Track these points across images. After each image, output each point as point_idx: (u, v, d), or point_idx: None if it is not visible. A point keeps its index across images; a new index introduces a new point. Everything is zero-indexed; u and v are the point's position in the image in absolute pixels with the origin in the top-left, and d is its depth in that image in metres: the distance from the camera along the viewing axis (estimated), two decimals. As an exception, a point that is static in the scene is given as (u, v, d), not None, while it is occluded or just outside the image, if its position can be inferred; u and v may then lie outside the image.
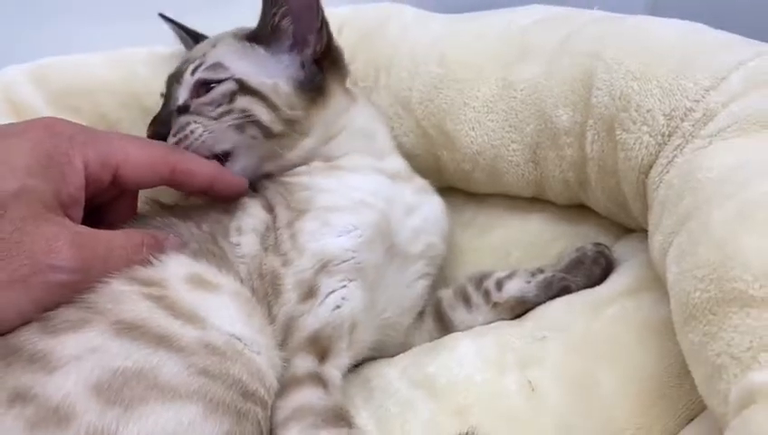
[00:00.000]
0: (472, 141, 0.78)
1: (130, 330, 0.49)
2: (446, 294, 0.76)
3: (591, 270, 0.72)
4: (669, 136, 0.65)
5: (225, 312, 0.55)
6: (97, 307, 0.51)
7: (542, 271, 0.73)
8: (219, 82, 0.68)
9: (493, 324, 0.72)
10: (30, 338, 0.49)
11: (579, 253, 0.73)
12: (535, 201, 0.83)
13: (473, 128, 0.78)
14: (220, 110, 0.68)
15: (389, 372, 0.68)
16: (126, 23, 0.86)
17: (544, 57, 0.74)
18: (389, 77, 0.83)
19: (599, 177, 0.72)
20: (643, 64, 0.66)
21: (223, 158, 0.68)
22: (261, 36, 0.71)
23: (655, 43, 0.67)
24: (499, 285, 0.73)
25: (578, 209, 0.81)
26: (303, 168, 0.71)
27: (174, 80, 0.71)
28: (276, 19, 0.70)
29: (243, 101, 0.68)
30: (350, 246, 0.64)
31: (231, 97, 0.68)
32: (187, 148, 0.66)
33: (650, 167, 0.66)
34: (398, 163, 0.76)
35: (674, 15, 0.72)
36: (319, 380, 0.58)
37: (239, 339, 0.54)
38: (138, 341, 0.49)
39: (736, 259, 0.47)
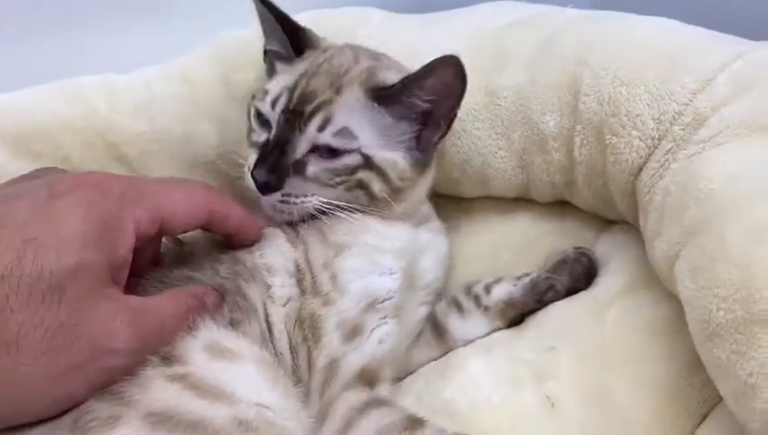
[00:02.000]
0: (458, 150, 0.78)
1: (164, 422, 0.47)
2: (440, 306, 0.77)
3: (573, 268, 0.74)
4: (660, 139, 0.66)
5: (250, 382, 0.53)
6: (125, 398, 0.48)
7: (527, 274, 0.75)
8: (345, 152, 0.66)
9: (496, 336, 0.73)
10: None
11: (561, 255, 0.75)
12: (519, 201, 0.83)
13: (459, 137, 0.77)
14: (339, 180, 0.66)
15: (404, 400, 0.68)
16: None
17: (524, 63, 0.74)
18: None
19: (586, 179, 0.73)
20: (630, 70, 0.66)
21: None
22: (389, 100, 0.67)
23: (639, 47, 0.68)
24: (487, 289, 0.75)
25: (561, 206, 0.82)
26: None
27: (293, 119, 0.66)
28: (415, 100, 0.67)
29: (363, 175, 0.67)
30: (392, 287, 0.65)
31: (353, 170, 0.66)
32: (285, 210, 0.66)
33: (640, 169, 0.68)
34: (427, 208, 0.77)
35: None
36: (379, 401, 0.58)
37: (268, 408, 0.53)
38: (173, 433, 0.47)
39: (761, 280, 0.49)
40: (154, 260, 0.62)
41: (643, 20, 0.71)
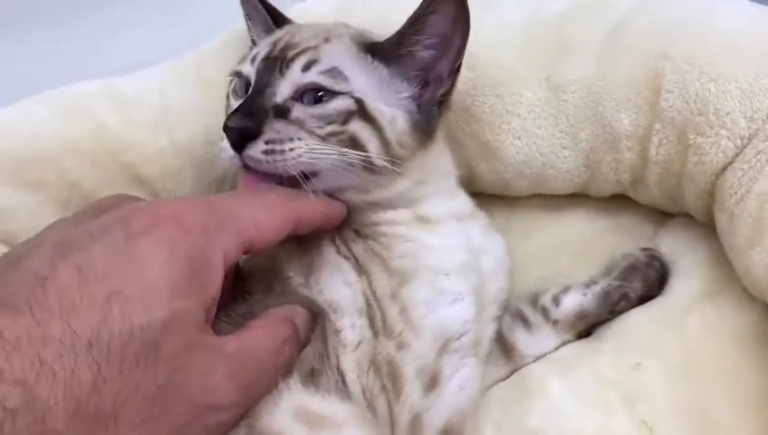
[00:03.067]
0: (517, 151, 0.71)
1: None
2: (504, 320, 0.71)
3: (647, 274, 0.69)
4: (750, 139, 0.61)
5: None
6: None
7: (595, 282, 0.70)
8: (335, 94, 0.57)
9: (567, 351, 0.68)
10: None
11: (630, 259, 0.70)
12: (570, 197, 0.78)
13: (518, 137, 0.70)
14: (330, 129, 0.56)
15: (484, 430, 0.63)
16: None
17: (592, 53, 0.67)
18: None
19: (659, 178, 0.69)
20: (719, 64, 0.61)
21: (303, 177, 0.55)
22: (385, 53, 0.60)
23: (726, 37, 0.62)
24: (556, 300, 0.69)
25: (615, 200, 0.77)
26: (391, 214, 0.61)
27: (273, 64, 0.58)
28: (414, 47, 0.59)
29: (356, 126, 0.57)
30: (467, 316, 0.58)
31: (346, 118, 0.57)
32: (272, 162, 0.54)
33: (724, 169, 0.64)
34: (464, 200, 0.68)
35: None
36: None
37: None
38: None
39: None
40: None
41: (720, 3, 0.66)
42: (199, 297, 0.44)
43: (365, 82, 0.58)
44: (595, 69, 0.67)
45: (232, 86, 0.62)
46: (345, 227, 0.61)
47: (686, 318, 0.65)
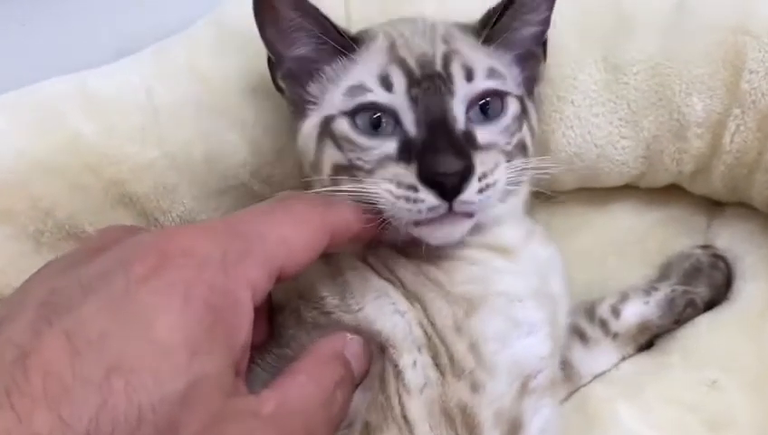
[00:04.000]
0: (569, 142, 0.62)
1: None
2: None
3: (712, 276, 0.63)
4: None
5: None
6: None
7: (656, 288, 0.63)
8: (504, 97, 0.49)
9: (630, 368, 0.61)
10: None
11: (691, 260, 0.64)
12: (614, 188, 0.70)
13: (571, 126, 0.61)
14: (515, 140, 0.50)
15: None
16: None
17: (656, 29, 0.59)
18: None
19: (728, 168, 0.61)
20: (810, 38, 0.54)
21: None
22: (498, 35, 0.51)
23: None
24: (615, 311, 0.62)
25: (663, 190, 0.69)
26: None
27: (434, 84, 0.47)
28: (526, 24, 0.52)
29: (523, 129, 0.51)
30: (543, 351, 0.49)
31: (519, 122, 0.50)
32: (485, 199, 0.46)
33: (805, 160, 0.57)
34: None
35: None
36: None
37: None
38: None
39: None
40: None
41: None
42: (225, 351, 0.35)
43: (507, 74, 0.51)
44: (661, 47, 0.58)
45: (360, 122, 0.48)
46: (379, 243, 0.50)
47: (761, 325, 0.59)
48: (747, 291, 0.62)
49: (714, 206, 0.69)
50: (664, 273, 0.65)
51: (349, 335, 0.44)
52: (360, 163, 0.47)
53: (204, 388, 0.32)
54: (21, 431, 0.29)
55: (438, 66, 0.48)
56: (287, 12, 0.49)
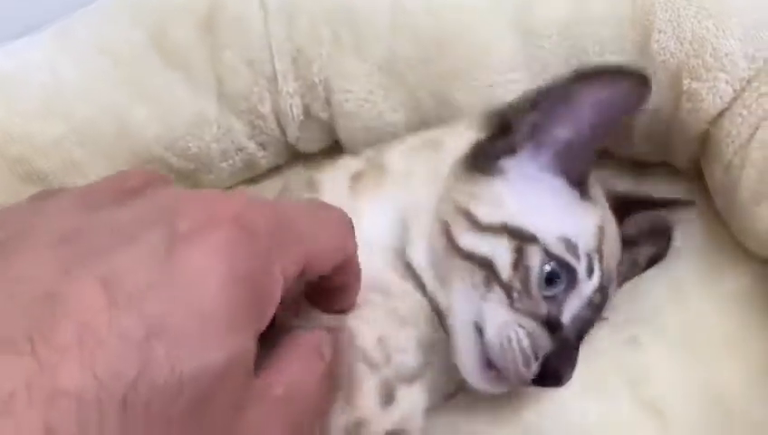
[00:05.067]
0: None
1: None
2: None
3: (653, 234, 0.63)
4: (750, 81, 0.55)
5: None
6: None
7: None
8: None
9: None
10: None
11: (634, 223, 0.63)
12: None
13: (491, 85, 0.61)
14: None
15: (476, 428, 0.55)
16: None
17: (565, -8, 0.58)
18: (356, 35, 0.61)
19: (646, 128, 0.62)
20: (717, -2, 0.54)
21: None
22: None
23: (723, -35, 0.55)
24: None
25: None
26: None
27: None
28: None
29: None
30: None
31: None
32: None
33: (720, 115, 0.57)
34: None
35: None
36: None
37: None
38: None
39: None
40: None
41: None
42: (254, 332, 0.31)
43: None
44: (572, 7, 0.58)
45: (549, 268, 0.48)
46: None
47: (685, 283, 0.60)
48: (673, 250, 0.63)
49: (637, 167, 0.70)
50: None
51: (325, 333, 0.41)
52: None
53: (237, 365, 0.30)
54: (43, 384, 0.24)
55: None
56: None
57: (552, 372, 0.47)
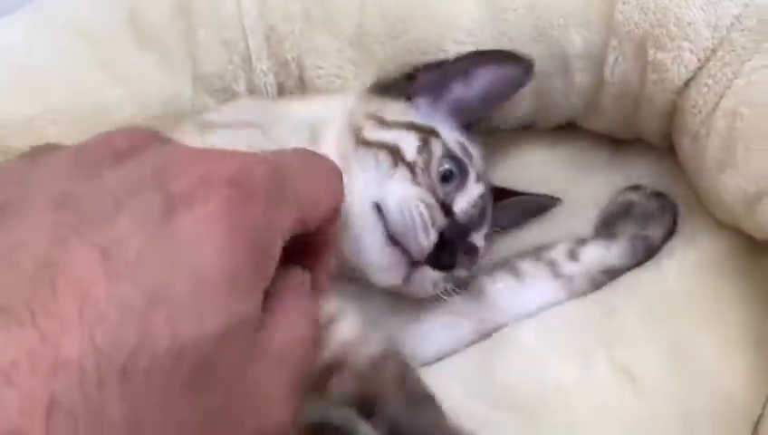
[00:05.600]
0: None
1: None
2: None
3: (664, 218, 0.63)
4: (714, 51, 0.55)
5: None
6: None
7: (614, 235, 0.63)
8: None
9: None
10: None
11: (635, 206, 0.64)
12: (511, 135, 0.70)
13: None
14: None
15: (451, 388, 0.55)
16: None
17: (532, -38, 0.58)
18: (325, 11, 0.61)
19: (615, 101, 0.62)
20: (679, -34, 0.54)
21: None
22: None
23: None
24: (573, 254, 0.62)
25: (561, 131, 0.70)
26: None
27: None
28: None
29: None
30: None
31: None
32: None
33: (686, 85, 0.57)
34: None
35: None
36: None
37: None
38: None
39: None
40: None
41: None
42: (257, 295, 0.31)
43: None
44: (537, -19, 0.58)
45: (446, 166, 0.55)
46: None
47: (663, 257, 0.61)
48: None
49: (613, 143, 0.70)
50: (608, 220, 0.65)
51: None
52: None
53: (238, 330, 0.29)
54: (45, 353, 0.24)
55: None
56: None
57: (449, 246, 0.51)
